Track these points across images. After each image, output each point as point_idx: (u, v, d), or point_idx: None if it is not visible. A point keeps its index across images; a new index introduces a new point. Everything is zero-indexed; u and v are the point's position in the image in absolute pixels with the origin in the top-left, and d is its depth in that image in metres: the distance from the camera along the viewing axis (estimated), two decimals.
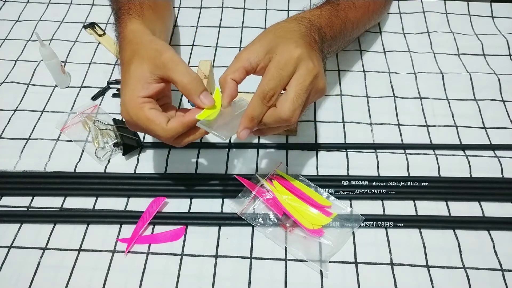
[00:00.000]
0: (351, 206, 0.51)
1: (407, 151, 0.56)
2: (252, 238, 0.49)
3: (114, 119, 0.57)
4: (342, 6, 0.54)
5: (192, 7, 0.75)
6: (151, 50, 0.43)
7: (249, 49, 0.42)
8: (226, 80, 0.42)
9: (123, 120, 0.47)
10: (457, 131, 0.59)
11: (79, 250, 0.48)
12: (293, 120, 0.40)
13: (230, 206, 0.51)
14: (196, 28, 0.72)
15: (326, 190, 0.51)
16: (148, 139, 0.58)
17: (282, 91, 0.41)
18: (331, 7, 0.52)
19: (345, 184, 0.52)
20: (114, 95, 0.62)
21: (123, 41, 0.47)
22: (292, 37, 0.43)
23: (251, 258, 0.47)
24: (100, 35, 0.70)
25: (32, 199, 0.52)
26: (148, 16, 0.52)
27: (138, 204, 0.51)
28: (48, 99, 0.62)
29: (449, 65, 0.66)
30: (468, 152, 0.56)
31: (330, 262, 0.47)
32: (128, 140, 0.55)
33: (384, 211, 0.51)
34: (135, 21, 0.49)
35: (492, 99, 0.62)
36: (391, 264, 0.47)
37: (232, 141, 0.57)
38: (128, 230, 0.49)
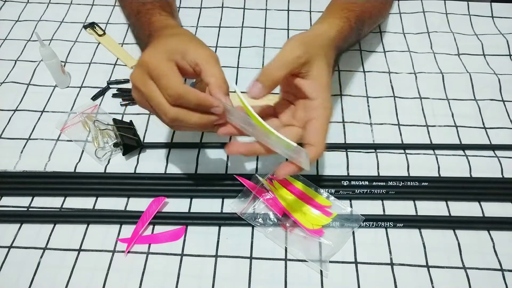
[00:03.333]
0: (351, 206, 0.51)
1: (407, 151, 0.56)
2: (252, 238, 0.49)
3: (114, 119, 0.57)
4: (360, 21, 0.55)
5: (192, 7, 0.75)
6: (196, 40, 0.42)
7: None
8: (279, 82, 0.40)
9: (130, 89, 0.45)
10: (457, 131, 0.59)
11: (79, 250, 0.48)
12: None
13: (230, 206, 0.51)
14: (196, 28, 0.72)
15: (326, 190, 0.51)
16: (148, 139, 0.58)
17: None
18: (352, 21, 0.52)
19: (345, 184, 0.52)
20: (114, 95, 0.62)
21: (164, 28, 0.48)
22: (327, 76, 0.42)
23: (251, 258, 0.47)
24: (100, 35, 0.70)
25: (32, 199, 0.52)
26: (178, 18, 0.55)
27: (138, 204, 0.51)
28: (48, 99, 0.62)
29: (449, 65, 0.66)
30: (468, 152, 0.56)
31: (330, 262, 0.47)
32: (128, 140, 0.55)
33: (384, 211, 0.51)
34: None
35: (492, 99, 0.62)
36: (391, 264, 0.47)
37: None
38: (128, 230, 0.49)
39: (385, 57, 0.68)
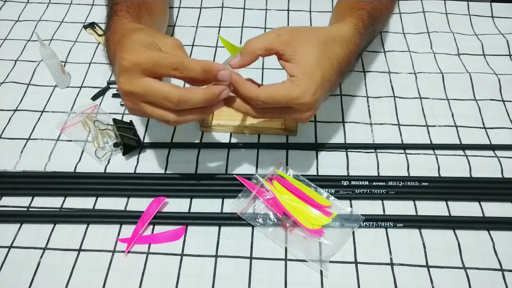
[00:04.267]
0: (351, 206, 0.51)
1: (407, 151, 0.56)
2: (252, 238, 0.49)
3: (114, 119, 0.57)
4: (373, 17, 0.55)
5: (192, 7, 0.75)
6: (158, 33, 0.43)
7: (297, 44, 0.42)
8: (254, 53, 0.42)
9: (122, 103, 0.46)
10: (457, 131, 0.59)
11: (79, 250, 0.48)
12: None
13: (230, 206, 0.51)
14: (196, 28, 0.72)
15: (326, 190, 0.51)
16: (148, 139, 0.58)
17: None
18: (365, 18, 0.52)
19: (345, 184, 0.52)
20: (114, 95, 0.62)
21: (119, 28, 0.48)
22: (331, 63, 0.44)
23: (251, 258, 0.47)
24: (100, 35, 0.70)
25: (32, 199, 0.52)
26: (145, 19, 0.54)
27: (138, 204, 0.51)
28: (48, 99, 0.62)
29: (449, 65, 0.66)
30: (468, 152, 0.56)
31: (330, 262, 0.47)
32: (128, 140, 0.55)
33: (384, 211, 0.51)
34: (132, 20, 0.50)
35: (492, 99, 0.62)
36: (391, 264, 0.47)
37: (231, 141, 0.57)
38: (128, 230, 0.49)
39: (385, 57, 0.68)
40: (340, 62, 0.45)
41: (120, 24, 0.49)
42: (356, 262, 0.47)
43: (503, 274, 0.46)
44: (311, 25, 0.73)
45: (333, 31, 0.47)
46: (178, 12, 0.75)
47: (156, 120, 0.41)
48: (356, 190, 0.52)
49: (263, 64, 0.66)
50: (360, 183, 0.52)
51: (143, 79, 0.39)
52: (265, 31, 0.71)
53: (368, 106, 0.61)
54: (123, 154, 0.55)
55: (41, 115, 0.60)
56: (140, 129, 0.58)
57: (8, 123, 0.59)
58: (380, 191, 0.52)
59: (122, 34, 0.45)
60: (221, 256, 0.47)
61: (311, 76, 0.41)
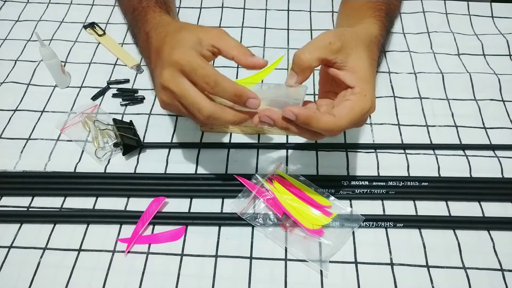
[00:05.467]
0: (351, 206, 0.51)
1: (407, 151, 0.56)
2: (252, 238, 0.49)
3: (114, 119, 0.57)
4: (390, 17, 0.55)
5: (192, 7, 0.75)
6: (198, 26, 0.43)
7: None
8: (310, 67, 0.39)
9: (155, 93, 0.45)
10: (457, 131, 0.59)
11: (79, 250, 0.48)
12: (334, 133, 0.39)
13: (230, 206, 0.51)
14: None
15: (326, 190, 0.51)
16: (148, 139, 0.58)
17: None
18: (383, 20, 0.52)
19: (345, 184, 0.52)
20: (114, 95, 0.62)
21: (162, 22, 0.48)
22: (373, 77, 0.41)
23: (251, 258, 0.47)
24: (100, 35, 0.70)
25: (32, 199, 0.52)
26: (173, 12, 0.56)
27: (138, 204, 0.51)
28: (48, 99, 0.62)
29: (449, 65, 0.66)
30: (468, 152, 0.56)
31: (330, 262, 0.47)
32: (128, 140, 0.55)
33: (384, 211, 0.51)
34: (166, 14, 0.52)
35: (492, 99, 0.62)
36: (391, 264, 0.47)
37: (232, 141, 0.57)
38: (128, 230, 0.49)
39: (385, 57, 0.68)
40: (377, 64, 0.45)
41: (162, 19, 0.50)
42: (356, 262, 0.47)
43: (503, 274, 0.46)
44: (311, 25, 0.72)
45: (368, 33, 0.46)
46: (178, 12, 0.74)
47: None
48: (356, 190, 0.52)
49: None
50: (360, 183, 0.52)
51: (184, 80, 0.39)
52: (265, 31, 0.71)
53: None
54: (123, 154, 0.55)
55: (41, 115, 0.60)
56: (140, 129, 0.58)
57: (8, 123, 0.59)
58: (380, 191, 0.52)
59: (167, 30, 0.45)
60: (221, 256, 0.47)
61: (369, 82, 0.40)
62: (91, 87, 0.64)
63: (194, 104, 0.39)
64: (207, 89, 0.38)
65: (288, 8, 0.75)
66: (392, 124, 0.59)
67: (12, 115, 0.60)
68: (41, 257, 0.47)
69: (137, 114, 0.60)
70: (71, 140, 0.57)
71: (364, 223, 0.49)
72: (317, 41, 0.40)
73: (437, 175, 0.54)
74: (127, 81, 0.64)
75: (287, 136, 0.57)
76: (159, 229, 0.50)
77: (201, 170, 0.54)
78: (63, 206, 0.51)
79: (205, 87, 0.38)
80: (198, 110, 0.39)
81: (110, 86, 0.63)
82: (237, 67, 0.66)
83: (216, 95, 0.39)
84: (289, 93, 0.40)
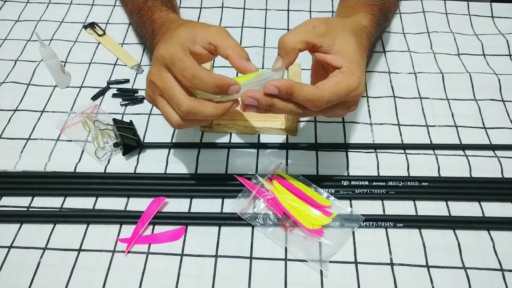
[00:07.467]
0: (351, 206, 0.51)
1: (407, 151, 0.56)
2: (252, 238, 0.49)
3: (114, 119, 0.57)
4: (383, 14, 0.55)
5: (192, 7, 0.75)
6: (200, 23, 0.43)
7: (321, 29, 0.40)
8: (294, 50, 0.39)
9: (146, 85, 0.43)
10: (457, 131, 0.59)
11: (79, 250, 0.48)
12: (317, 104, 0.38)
13: (230, 206, 0.51)
14: None
15: (326, 190, 0.51)
16: (148, 139, 0.58)
17: None
18: (376, 14, 0.52)
19: (345, 184, 0.52)
20: (114, 95, 0.62)
21: (167, 20, 0.49)
22: (362, 58, 0.41)
23: (251, 258, 0.47)
24: (100, 35, 0.70)
25: (32, 199, 0.52)
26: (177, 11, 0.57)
27: (138, 204, 0.51)
28: (48, 99, 0.62)
29: (449, 65, 0.66)
30: (468, 152, 0.56)
31: (330, 262, 0.47)
32: (128, 140, 0.55)
33: (384, 211, 0.51)
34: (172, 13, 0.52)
35: (492, 99, 0.62)
36: (391, 264, 0.47)
37: (232, 141, 0.57)
38: (128, 230, 0.49)
39: (385, 57, 0.68)
40: (367, 53, 0.44)
41: (168, 17, 0.50)
42: (356, 262, 0.47)
43: (503, 274, 0.46)
44: None
45: (357, 22, 0.46)
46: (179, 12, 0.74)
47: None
48: (356, 190, 0.52)
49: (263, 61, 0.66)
50: (360, 183, 0.52)
51: (167, 74, 0.39)
52: (265, 31, 0.71)
53: (368, 106, 0.61)
54: (123, 154, 0.55)
55: (41, 115, 0.60)
56: (140, 129, 0.58)
57: (8, 123, 0.59)
58: (380, 191, 0.52)
59: (168, 27, 0.46)
60: (221, 256, 0.47)
61: (358, 63, 0.40)
62: (91, 87, 0.64)
63: (173, 99, 0.38)
64: (185, 82, 0.38)
65: (288, 8, 0.75)
66: (392, 124, 0.59)
67: (12, 115, 0.60)
68: (41, 257, 0.47)
69: (137, 114, 0.60)
70: (71, 140, 0.57)
71: (364, 223, 0.49)
72: (302, 25, 0.40)
73: (437, 175, 0.54)
74: (127, 81, 0.64)
75: (287, 136, 0.57)
76: (159, 229, 0.50)
77: (201, 170, 0.54)
78: (63, 206, 0.51)
79: (183, 80, 0.38)
80: (177, 105, 0.38)
81: (110, 86, 0.63)
82: None
83: (196, 89, 0.39)
84: (273, 75, 0.40)
